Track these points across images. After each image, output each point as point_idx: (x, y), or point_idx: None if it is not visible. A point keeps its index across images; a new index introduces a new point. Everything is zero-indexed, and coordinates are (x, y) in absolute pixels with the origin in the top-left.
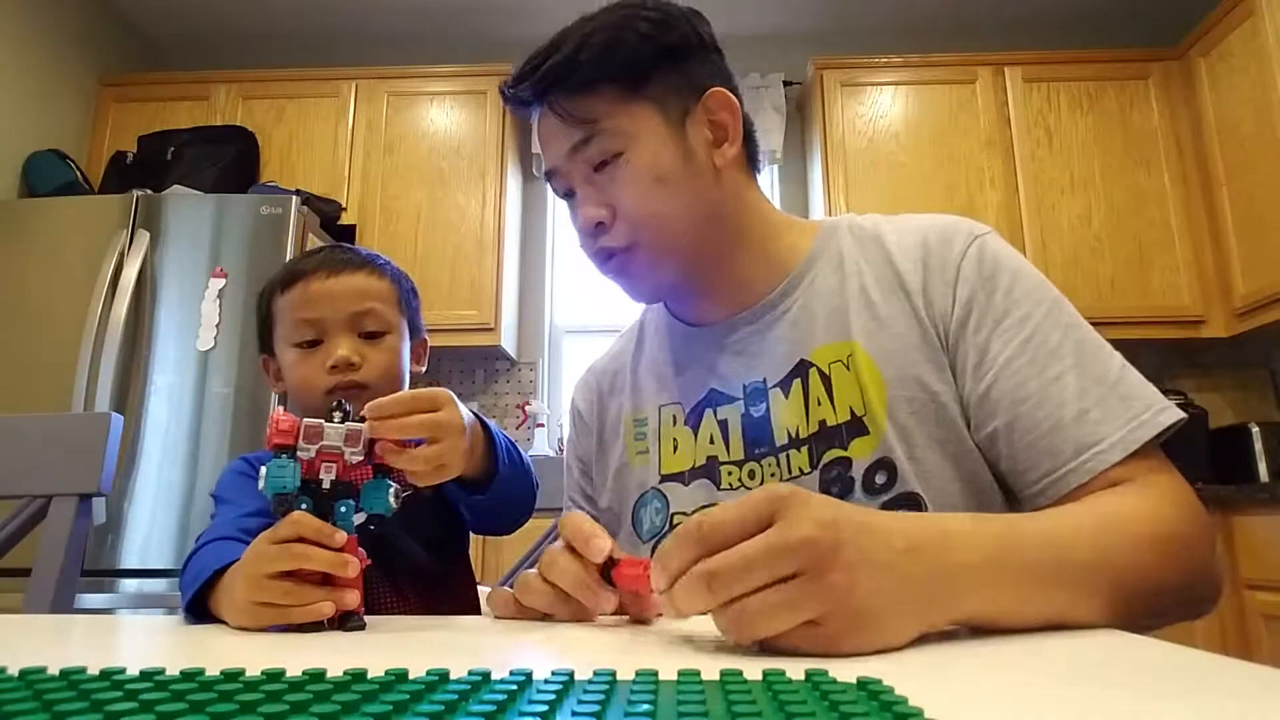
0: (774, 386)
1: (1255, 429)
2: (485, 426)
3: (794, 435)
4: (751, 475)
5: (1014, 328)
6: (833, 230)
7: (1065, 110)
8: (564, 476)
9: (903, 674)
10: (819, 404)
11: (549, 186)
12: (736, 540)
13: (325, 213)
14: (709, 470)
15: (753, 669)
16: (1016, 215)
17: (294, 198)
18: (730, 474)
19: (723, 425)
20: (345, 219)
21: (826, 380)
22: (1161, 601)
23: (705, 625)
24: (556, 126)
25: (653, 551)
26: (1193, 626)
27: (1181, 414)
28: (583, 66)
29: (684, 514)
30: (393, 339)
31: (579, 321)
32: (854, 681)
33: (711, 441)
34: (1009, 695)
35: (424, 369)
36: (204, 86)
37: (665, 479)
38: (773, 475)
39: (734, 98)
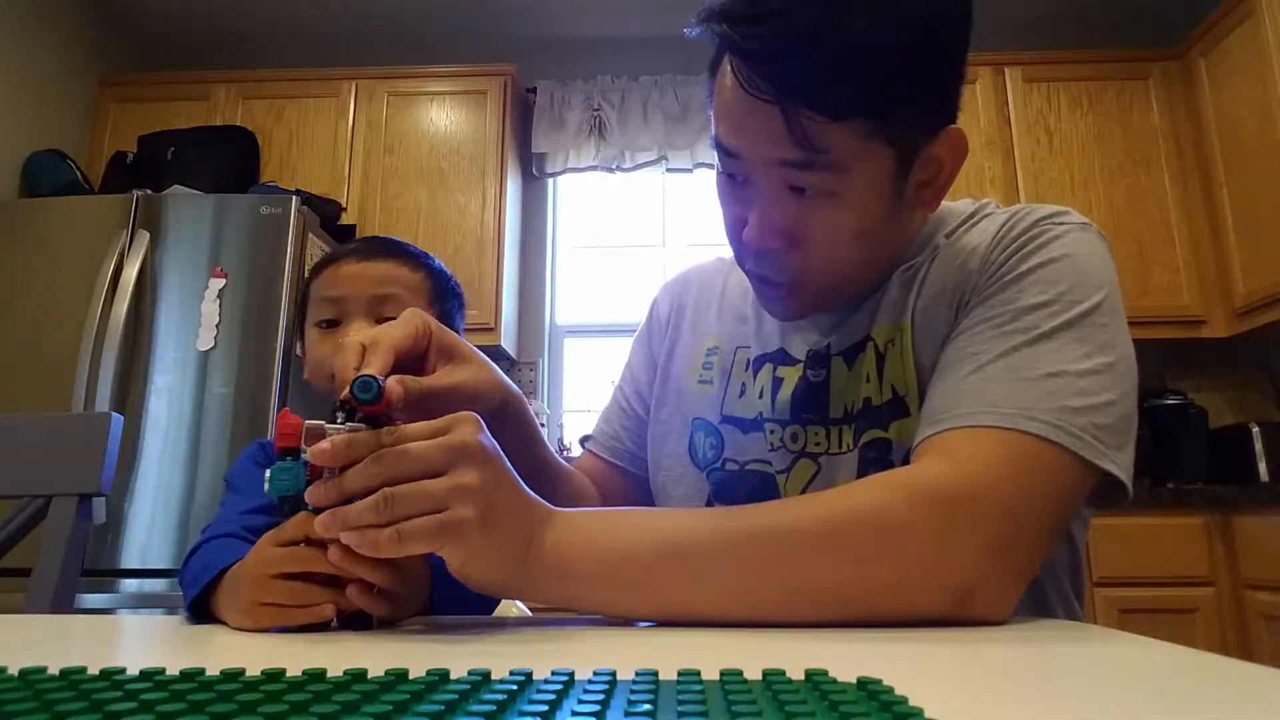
0: (837, 354)
1: (1255, 429)
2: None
3: (848, 409)
4: (794, 438)
5: (995, 305)
6: (939, 220)
7: (1065, 110)
8: (620, 376)
9: (903, 674)
10: (868, 380)
11: (716, 156)
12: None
13: (325, 213)
14: (760, 425)
15: (753, 669)
16: None
17: (294, 198)
18: (773, 432)
19: (776, 383)
20: (345, 219)
21: (881, 359)
22: (849, 591)
23: (707, 626)
24: (773, 125)
25: (709, 478)
26: (1193, 627)
27: (1068, 447)
28: (848, 87)
29: (736, 462)
30: None
31: (579, 321)
32: (854, 681)
33: (760, 396)
34: (1009, 695)
35: None
36: (204, 86)
37: (725, 420)
38: (818, 445)
39: (965, 139)
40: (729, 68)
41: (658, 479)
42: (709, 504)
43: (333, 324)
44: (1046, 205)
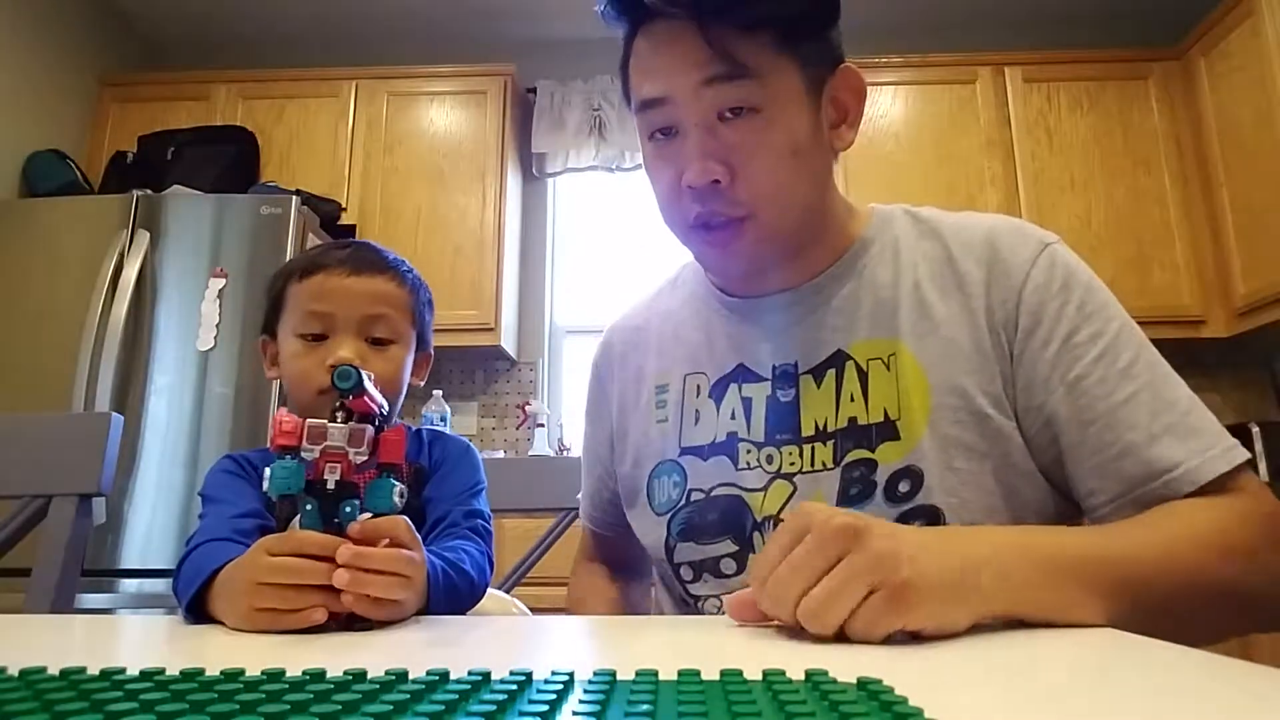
0: (805, 373)
1: (1255, 429)
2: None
3: (821, 427)
4: (769, 460)
5: (1085, 344)
6: (888, 218)
7: (1065, 110)
8: (583, 455)
9: (903, 674)
10: (852, 400)
11: (641, 119)
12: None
13: (325, 213)
14: (728, 447)
15: (753, 669)
16: (1016, 215)
17: (294, 198)
18: (749, 452)
19: (746, 403)
20: (345, 219)
21: (863, 377)
22: (1221, 603)
23: (702, 625)
24: (695, 51)
25: (669, 525)
26: None
27: (1247, 454)
28: (756, 3)
29: (701, 490)
30: (398, 349)
31: (579, 321)
32: (854, 681)
33: (733, 417)
34: (1009, 695)
35: (423, 383)
36: (204, 86)
37: (685, 451)
38: (792, 464)
39: (862, 78)
40: (641, 41)
41: (634, 528)
42: (669, 546)
43: (319, 338)
44: (1004, 217)
